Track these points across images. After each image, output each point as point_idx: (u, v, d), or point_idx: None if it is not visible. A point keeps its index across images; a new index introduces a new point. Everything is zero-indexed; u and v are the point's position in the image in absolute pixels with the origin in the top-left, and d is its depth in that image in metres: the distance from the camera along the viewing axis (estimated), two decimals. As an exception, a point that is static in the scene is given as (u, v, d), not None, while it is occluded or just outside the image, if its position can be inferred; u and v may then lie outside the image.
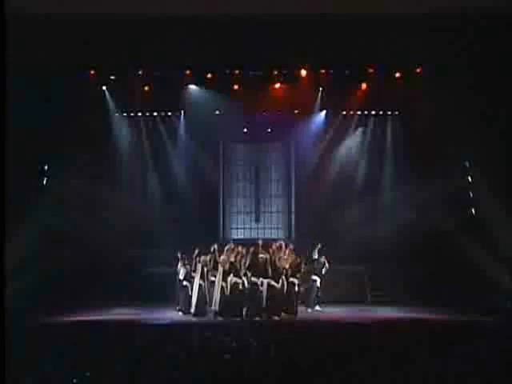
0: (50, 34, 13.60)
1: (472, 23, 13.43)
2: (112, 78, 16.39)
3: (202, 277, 14.04)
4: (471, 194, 16.05)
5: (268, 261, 13.76)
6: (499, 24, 13.06)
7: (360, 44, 14.54)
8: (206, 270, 14.11)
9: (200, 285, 14.01)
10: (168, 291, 15.60)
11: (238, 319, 13.37)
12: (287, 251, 14.48)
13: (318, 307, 15.15)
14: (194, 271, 14.17)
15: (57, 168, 15.98)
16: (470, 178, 16.08)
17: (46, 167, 15.91)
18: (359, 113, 18.44)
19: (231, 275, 13.63)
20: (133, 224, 17.72)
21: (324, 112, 18.27)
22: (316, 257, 15.45)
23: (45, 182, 15.92)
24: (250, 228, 19.24)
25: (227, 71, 16.61)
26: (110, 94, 16.93)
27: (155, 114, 18.41)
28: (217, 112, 18.23)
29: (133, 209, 17.77)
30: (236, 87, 17.10)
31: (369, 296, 16.82)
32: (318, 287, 15.19)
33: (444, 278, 15.20)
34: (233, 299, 13.57)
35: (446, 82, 15.24)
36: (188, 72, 16.65)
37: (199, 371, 7.21)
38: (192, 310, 14.02)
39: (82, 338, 9.41)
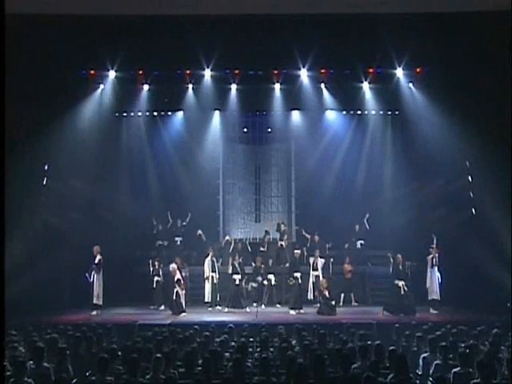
0: (50, 34, 13.58)
1: (472, 23, 13.41)
2: (112, 77, 16.37)
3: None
4: (471, 194, 16.03)
5: None
6: (500, 24, 13.03)
7: (360, 44, 14.52)
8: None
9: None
10: (167, 291, 15.66)
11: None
12: None
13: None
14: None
15: (57, 168, 15.96)
16: (470, 178, 16.05)
17: (46, 167, 15.88)
18: (359, 113, 18.45)
19: None
20: (132, 224, 17.73)
21: (324, 112, 18.27)
22: None
23: (45, 181, 15.89)
24: (250, 228, 19.24)
25: (227, 71, 16.60)
26: (110, 94, 16.90)
27: (155, 113, 18.41)
28: (217, 112, 18.25)
29: (132, 208, 17.77)
30: (236, 87, 17.10)
31: (369, 296, 16.83)
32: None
33: (443, 277, 15.19)
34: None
35: (446, 82, 15.23)
36: (188, 72, 16.64)
37: (199, 371, 7.21)
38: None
39: (81, 337, 9.39)
